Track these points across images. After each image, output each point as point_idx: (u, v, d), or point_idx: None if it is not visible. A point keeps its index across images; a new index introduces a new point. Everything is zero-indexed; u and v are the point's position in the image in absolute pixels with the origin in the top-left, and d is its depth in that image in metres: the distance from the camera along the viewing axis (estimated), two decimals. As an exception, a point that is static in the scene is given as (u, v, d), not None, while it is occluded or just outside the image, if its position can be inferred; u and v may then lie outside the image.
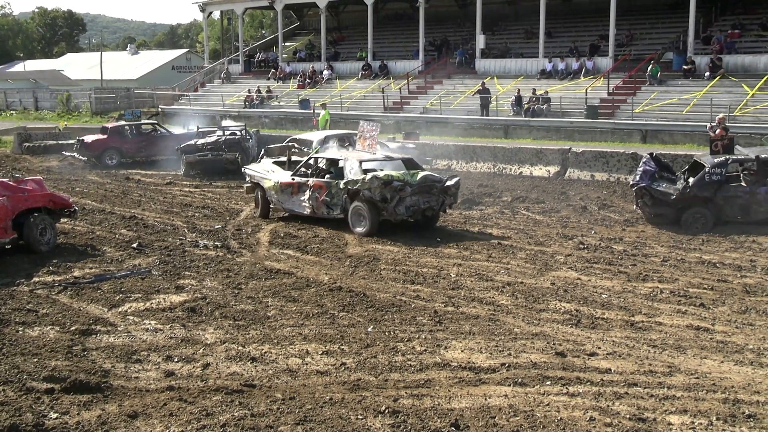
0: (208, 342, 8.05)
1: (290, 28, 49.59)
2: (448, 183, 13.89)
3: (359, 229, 13.67)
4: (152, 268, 11.31)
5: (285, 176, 15.17)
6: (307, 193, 14.48)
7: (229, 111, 34.65)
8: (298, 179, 14.79)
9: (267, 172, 15.76)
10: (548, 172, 21.24)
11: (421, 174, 13.79)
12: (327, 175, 14.71)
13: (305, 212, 14.68)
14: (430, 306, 9.34)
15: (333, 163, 14.99)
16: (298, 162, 15.90)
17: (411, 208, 13.56)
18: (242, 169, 16.75)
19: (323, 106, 28.29)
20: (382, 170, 13.94)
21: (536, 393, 6.58)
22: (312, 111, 31.01)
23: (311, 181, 14.55)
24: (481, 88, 30.62)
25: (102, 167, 24.41)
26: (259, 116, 35.33)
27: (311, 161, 15.39)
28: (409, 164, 14.46)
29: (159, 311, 9.21)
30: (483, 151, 23.30)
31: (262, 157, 21.68)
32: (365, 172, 13.84)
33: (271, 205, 15.59)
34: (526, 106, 29.07)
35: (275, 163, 16.59)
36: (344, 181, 13.87)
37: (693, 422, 5.99)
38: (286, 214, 15.55)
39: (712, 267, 11.47)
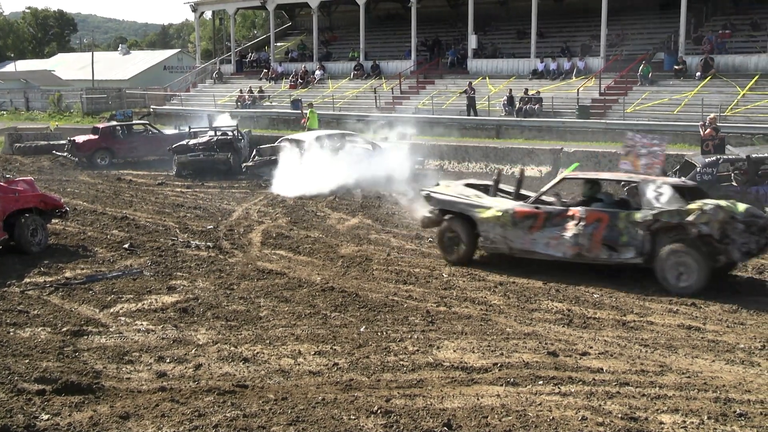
0: (200, 343, 8.04)
1: (282, 28, 49.51)
2: None
3: (681, 283, 9.84)
4: (144, 268, 11.28)
5: (515, 203, 11.27)
6: (571, 228, 10.58)
7: (221, 111, 34.53)
8: (546, 208, 10.96)
9: (474, 197, 11.68)
10: (540, 172, 21.29)
11: (741, 206, 10.21)
12: (594, 203, 10.91)
13: (560, 254, 10.73)
14: (422, 306, 9.35)
15: (595, 186, 11.31)
16: (497, 183, 12.26)
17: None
18: (423, 193, 12.53)
19: (310, 105, 28.42)
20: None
21: (528, 393, 6.59)
22: (301, 111, 31.03)
23: (577, 210, 10.67)
24: (467, 88, 30.67)
25: (93, 168, 24.35)
26: (251, 116, 35.23)
27: (556, 183, 11.52)
28: (694, 193, 10.79)
29: (151, 312, 9.19)
30: (475, 151, 23.35)
31: (254, 157, 21.75)
32: (683, 200, 10.23)
33: (485, 244, 11.56)
34: (518, 106, 29.12)
35: (468, 186, 12.47)
36: (654, 211, 10.08)
37: (684, 421, 6.01)
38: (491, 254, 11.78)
39: (703, 266, 11.48)
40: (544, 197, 11.33)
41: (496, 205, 11.31)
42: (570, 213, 10.69)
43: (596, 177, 11.75)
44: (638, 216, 10.20)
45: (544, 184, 19.52)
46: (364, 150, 20.85)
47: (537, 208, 10.96)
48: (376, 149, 21.02)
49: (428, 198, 12.23)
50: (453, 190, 12.11)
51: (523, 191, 11.83)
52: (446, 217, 11.85)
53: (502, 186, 12.28)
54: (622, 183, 14.94)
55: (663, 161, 11.23)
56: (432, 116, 30.42)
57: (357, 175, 18.59)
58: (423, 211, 12.61)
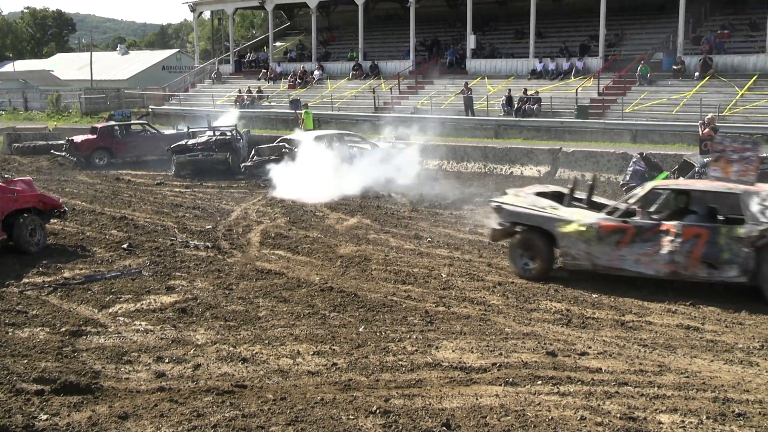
0: (199, 343, 8.04)
1: (281, 28, 49.55)
2: None
3: None
4: (143, 268, 11.28)
5: (600, 216, 10.39)
6: (666, 244, 9.78)
7: (226, 109, 34.54)
8: (636, 221, 10.14)
9: (549, 209, 10.83)
10: (539, 172, 21.30)
11: None
12: (688, 217, 10.18)
13: (652, 272, 9.97)
14: (421, 306, 9.35)
15: (686, 197, 10.47)
16: (573, 194, 11.33)
17: None
18: (492, 203, 11.66)
19: (305, 106, 28.57)
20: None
21: (527, 393, 6.60)
22: (295, 111, 31.12)
23: (672, 225, 9.85)
24: (464, 89, 30.68)
25: (91, 168, 24.33)
26: (250, 116, 35.26)
27: (645, 194, 10.50)
28: None
29: (149, 312, 9.19)
30: (474, 151, 23.35)
31: (253, 157, 21.72)
32: None
33: (567, 260, 10.70)
34: (516, 106, 29.13)
35: (539, 194, 11.57)
36: (762, 227, 9.34)
37: (683, 421, 6.01)
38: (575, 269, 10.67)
39: (701, 266, 11.48)
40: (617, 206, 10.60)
41: (578, 219, 10.47)
42: (664, 228, 9.89)
43: (689, 188, 10.76)
44: (742, 231, 9.46)
45: (543, 185, 19.67)
46: (365, 151, 20.85)
47: (625, 222, 10.17)
48: (375, 149, 21.02)
49: (498, 209, 11.32)
50: (525, 201, 11.21)
51: (595, 198, 11.36)
52: (518, 229, 11.04)
53: (564, 192, 11.63)
54: (621, 184, 14.89)
55: (758, 167, 10.20)
56: (431, 116, 30.45)
57: (368, 178, 18.39)
58: (492, 222, 11.67)
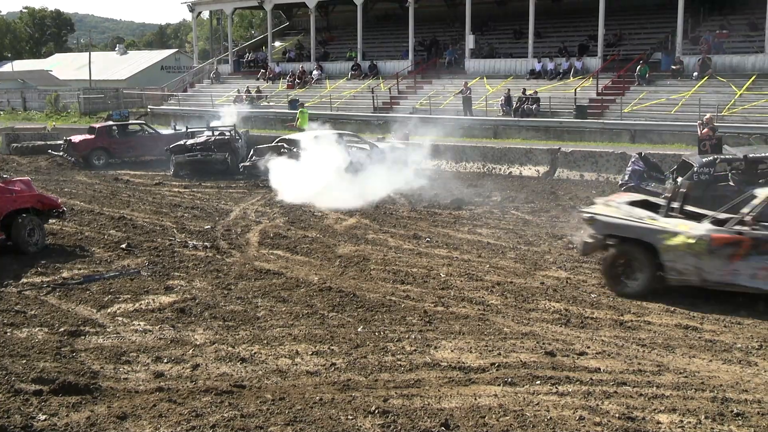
0: (198, 343, 8.04)
1: (280, 28, 49.54)
2: None
3: None
4: (141, 268, 11.27)
5: (710, 227, 9.47)
6: None
7: (225, 109, 34.50)
8: (752, 233, 9.16)
9: (648, 219, 9.98)
10: (537, 172, 21.31)
11: None
12: None
13: None
14: (419, 306, 9.35)
15: None
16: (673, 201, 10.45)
17: None
18: (584, 214, 10.79)
19: (301, 105, 28.67)
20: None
21: (526, 392, 6.60)
22: (297, 113, 31.16)
23: None
24: (463, 88, 30.68)
25: (90, 167, 24.33)
26: (248, 116, 35.24)
27: (762, 202, 9.40)
28: None
29: (148, 312, 9.19)
30: (472, 151, 23.36)
31: (251, 157, 21.70)
32: None
33: (671, 275, 9.66)
34: (515, 106, 29.13)
35: (633, 204, 10.68)
36: None
37: (682, 421, 6.02)
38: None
39: (700, 266, 11.46)
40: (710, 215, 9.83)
41: (685, 230, 9.55)
42: None
43: None
44: None
45: (541, 184, 19.67)
46: (364, 151, 20.83)
47: (740, 233, 9.23)
48: (374, 149, 21.00)
49: (591, 221, 10.46)
50: (621, 211, 10.34)
51: (688, 207, 10.51)
52: (611, 242, 10.18)
53: (653, 200, 11.00)
54: (620, 184, 14.82)
55: None
56: (429, 116, 30.44)
57: (368, 178, 18.22)
58: (583, 235, 10.87)
